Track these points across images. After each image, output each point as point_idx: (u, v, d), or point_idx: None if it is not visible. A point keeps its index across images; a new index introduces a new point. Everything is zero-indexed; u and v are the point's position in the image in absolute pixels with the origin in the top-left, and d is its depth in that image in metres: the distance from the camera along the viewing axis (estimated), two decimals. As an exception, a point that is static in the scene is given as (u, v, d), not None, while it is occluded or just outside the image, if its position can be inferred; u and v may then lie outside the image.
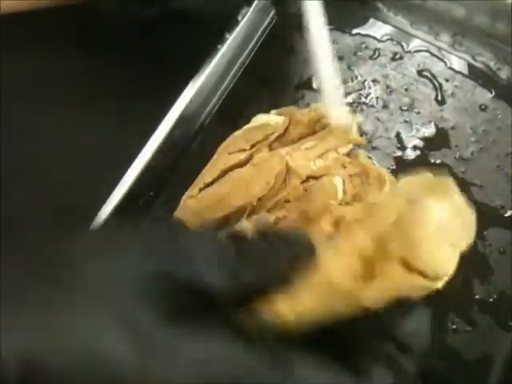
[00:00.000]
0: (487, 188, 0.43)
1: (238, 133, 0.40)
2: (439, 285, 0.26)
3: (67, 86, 0.46)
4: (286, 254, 0.25)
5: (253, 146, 0.39)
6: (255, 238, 0.25)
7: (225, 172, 0.38)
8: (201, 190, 0.38)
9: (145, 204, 0.43)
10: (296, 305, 0.25)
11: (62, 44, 0.47)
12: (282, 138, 0.40)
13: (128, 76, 0.46)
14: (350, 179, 0.36)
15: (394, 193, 0.30)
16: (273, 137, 0.39)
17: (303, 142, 0.39)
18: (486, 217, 0.42)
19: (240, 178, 0.37)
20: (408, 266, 0.25)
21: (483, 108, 0.46)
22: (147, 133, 0.41)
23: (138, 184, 0.40)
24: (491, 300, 0.39)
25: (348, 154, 0.39)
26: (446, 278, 0.26)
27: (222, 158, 0.39)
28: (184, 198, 0.38)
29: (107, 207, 0.39)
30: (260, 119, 0.40)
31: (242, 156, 0.38)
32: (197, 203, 0.37)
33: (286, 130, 0.39)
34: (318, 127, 0.40)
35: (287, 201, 0.37)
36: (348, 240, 0.27)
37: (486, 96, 0.46)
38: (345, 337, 0.26)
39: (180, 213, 0.38)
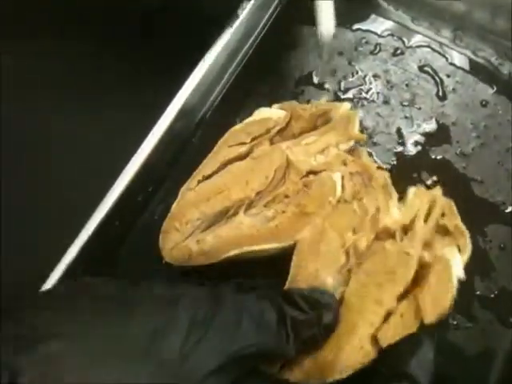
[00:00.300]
0: (488, 184, 0.42)
1: (238, 126, 0.40)
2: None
3: (66, 81, 0.46)
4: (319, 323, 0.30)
5: (253, 140, 0.39)
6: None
7: (224, 165, 0.38)
8: (199, 182, 0.38)
9: (144, 200, 0.43)
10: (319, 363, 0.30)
11: (61, 40, 0.47)
12: (283, 133, 0.39)
13: (127, 70, 0.46)
14: (350, 177, 0.36)
15: (411, 243, 0.33)
16: (274, 131, 0.39)
17: (304, 136, 0.39)
18: (487, 213, 0.42)
19: (239, 171, 0.37)
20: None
21: (484, 104, 0.45)
22: (147, 127, 0.41)
23: (137, 179, 0.40)
24: (492, 296, 0.39)
25: (350, 151, 0.38)
26: None
27: (222, 150, 0.38)
28: (182, 190, 0.38)
29: (106, 203, 0.39)
30: (262, 113, 0.40)
31: (242, 149, 0.38)
32: (195, 196, 0.37)
33: (288, 124, 0.39)
34: (319, 123, 0.40)
35: (286, 196, 0.36)
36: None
37: (487, 91, 0.46)
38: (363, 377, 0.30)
39: (177, 205, 0.38)
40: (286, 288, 0.32)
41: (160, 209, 0.42)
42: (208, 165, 0.38)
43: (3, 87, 0.44)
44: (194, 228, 0.36)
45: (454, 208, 0.35)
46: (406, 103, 0.45)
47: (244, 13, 0.44)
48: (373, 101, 0.45)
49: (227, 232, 0.35)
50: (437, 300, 0.31)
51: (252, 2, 0.44)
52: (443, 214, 0.35)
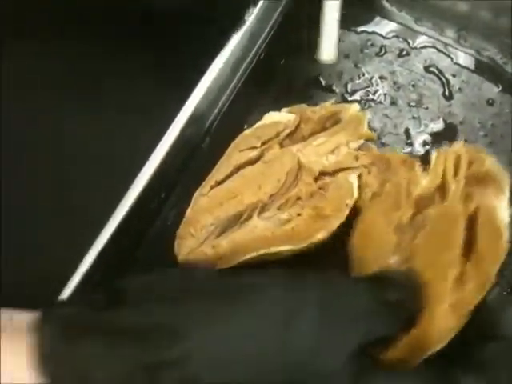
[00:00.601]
0: (497, 182, 0.43)
1: (248, 131, 0.40)
2: None
3: (67, 83, 0.46)
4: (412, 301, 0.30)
5: (264, 144, 0.39)
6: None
7: (236, 169, 0.39)
8: (212, 187, 0.38)
9: (156, 206, 0.43)
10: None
11: (63, 40, 0.47)
12: (293, 136, 0.40)
13: (136, 79, 0.46)
14: (366, 171, 0.36)
15: (451, 202, 0.33)
16: (284, 134, 0.39)
17: (314, 138, 0.39)
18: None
19: (251, 176, 0.38)
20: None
21: (490, 102, 0.46)
22: (157, 134, 0.42)
23: (149, 186, 0.40)
24: (504, 293, 0.40)
25: (359, 149, 0.39)
26: None
27: (234, 155, 0.39)
28: (195, 195, 0.38)
29: (120, 211, 0.39)
30: (271, 117, 0.40)
31: (253, 153, 0.38)
32: (208, 201, 0.38)
33: (297, 127, 0.40)
34: (328, 124, 0.40)
35: (299, 198, 0.37)
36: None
37: (492, 90, 0.46)
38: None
39: (191, 211, 0.38)
40: (371, 273, 0.32)
41: (172, 214, 0.42)
42: (220, 170, 0.39)
43: (3, 87, 0.44)
44: (208, 233, 0.37)
45: (480, 153, 0.35)
46: (413, 104, 0.46)
47: (250, 18, 0.45)
48: (380, 102, 0.46)
49: (242, 236, 0.35)
50: (493, 249, 0.31)
51: (258, 8, 0.45)
52: (471, 163, 0.35)
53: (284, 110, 0.41)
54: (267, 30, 0.48)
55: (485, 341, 0.29)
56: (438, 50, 0.48)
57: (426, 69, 0.47)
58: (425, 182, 0.35)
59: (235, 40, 0.44)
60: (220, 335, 0.26)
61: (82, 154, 0.44)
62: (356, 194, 0.35)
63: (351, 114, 0.40)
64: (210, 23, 0.46)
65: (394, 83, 0.47)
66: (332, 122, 0.40)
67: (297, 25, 0.48)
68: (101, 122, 0.44)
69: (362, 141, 0.39)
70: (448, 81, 0.47)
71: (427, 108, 0.46)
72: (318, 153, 0.38)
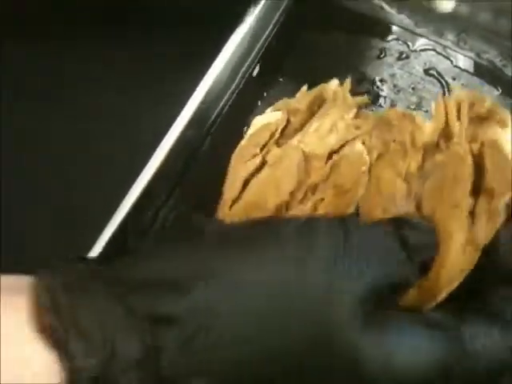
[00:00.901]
0: (497, 185, 0.43)
1: (244, 141, 0.40)
2: None
3: (73, 87, 0.46)
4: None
5: (262, 149, 0.39)
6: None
7: (247, 181, 0.38)
8: (231, 206, 0.38)
9: (156, 208, 0.43)
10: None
11: (63, 40, 0.47)
12: (286, 131, 0.39)
13: (137, 80, 0.46)
14: (369, 137, 0.36)
15: (457, 145, 0.33)
16: (277, 133, 0.39)
17: (309, 125, 0.39)
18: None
19: (265, 182, 0.37)
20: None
21: (490, 106, 0.46)
22: (158, 136, 0.41)
23: (150, 188, 0.40)
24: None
25: (356, 118, 0.39)
26: None
27: (239, 168, 0.38)
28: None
29: (120, 212, 0.39)
30: (259, 121, 0.40)
31: (257, 161, 0.38)
32: (234, 219, 0.37)
33: (288, 121, 0.39)
34: (316, 108, 0.40)
35: (316, 185, 0.37)
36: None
37: (492, 93, 0.46)
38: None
39: None
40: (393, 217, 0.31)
41: (172, 217, 0.43)
42: (231, 187, 0.38)
43: (3, 87, 0.44)
44: None
45: (479, 94, 0.35)
46: (413, 106, 0.46)
47: (251, 18, 0.45)
48: (380, 105, 0.46)
49: None
50: (501, 177, 0.31)
51: (259, 8, 0.45)
52: (472, 105, 0.35)
53: (268, 110, 0.41)
54: (268, 30, 0.48)
55: (496, 283, 0.29)
56: (438, 53, 0.48)
57: (426, 72, 0.47)
58: (428, 130, 0.35)
59: (235, 41, 0.44)
60: (230, 286, 0.25)
61: (83, 155, 0.44)
62: (368, 159, 0.35)
63: (334, 90, 0.40)
64: (209, 23, 0.46)
65: (394, 86, 0.47)
66: (318, 104, 0.40)
67: (298, 25, 0.48)
68: (101, 123, 0.44)
69: (354, 109, 0.38)
70: (448, 84, 0.47)
71: (427, 111, 0.46)
72: (318, 137, 0.38)
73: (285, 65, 0.48)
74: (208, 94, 0.43)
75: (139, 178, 0.40)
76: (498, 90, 0.46)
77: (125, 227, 0.39)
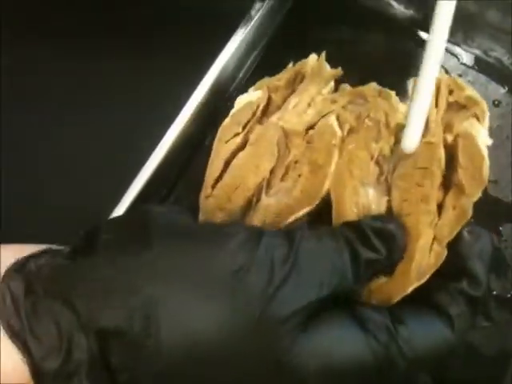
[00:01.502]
0: (502, 184, 0.43)
1: (226, 121, 0.39)
2: None
3: (70, 82, 0.46)
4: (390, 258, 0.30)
5: (244, 128, 0.39)
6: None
7: (229, 161, 0.38)
8: (213, 187, 0.38)
9: (157, 203, 0.43)
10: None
11: (62, 39, 0.47)
12: (268, 109, 0.39)
13: (139, 76, 0.46)
14: (344, 110, 0.36)
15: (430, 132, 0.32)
16: (259, 111, 0.39)
17: (287, 102, 0.39)
18: (502, 212, 0.42)
19: (245, 160, 0.37)
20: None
21: (496, 103, 0.46)
22: (159, 131, 0.41)
23: (151, 184, 0.40)
24: (509, 296, 0.39)
25: (334, 92, 0.38)
26: None
27: (221, 149, 0.38)
28: (201, 201, 0.38)
29: (121, 208, 0.39)
30: (242, 100, 0.40)
31: (238, 140, 0.38)
32: (215, 200, 0.37)
33: (269, 99, 0.39)
34: (296, 84, 0.39)
35: (296, 162, 0.36)
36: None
37: (498, 91, 0.46)
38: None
39: (204, 215, 0.37)
40: (354, 222, 0.31)
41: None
42: (213, 168, 0.38)
43: (3, 87, 0.44)
44: None
45: (459, 81, 0.35)
46: (418, 103, 0.45)
47: (257, 14, 0.44)
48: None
49: (258, 218, 0.35)
50: (473, 174, 0.31)
51: (265, 3, 0.44)
52: (451, 92, 0.34)
53: (251, 89, 0.40)
54: (274, 26, 0.47)
55: (450, 278, 0.29)
56: (445, 50, 0.47)
57: (432, 68, 0.47)
58: (403, 110, 0.34)
59: (240, 36, 0.44)
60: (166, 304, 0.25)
61: (83, 150, 0.43)
62: (339, 132, 0.35)
63: (312, 65, 0.39)
64: (215, 19, 0.46)
65: (400, 82, 0.46)
66: (299, 81, 0.39)
67: (304, 22, 0.47)
68: (102, 119, 0.44)
69: (331, 83, 0.38)
70: (454, 81, 0.46)
71: (433, 108, 0.45)
72: (296, 113, 0.38)
73: (289, 61, 0.47)
74: (211, 89, 0.43)
75: (141, 172, 0.40)
76: (504, 88, 0.46)
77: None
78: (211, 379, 0.25)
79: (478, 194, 0.30)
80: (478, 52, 0.47)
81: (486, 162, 0.31)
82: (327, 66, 0.38)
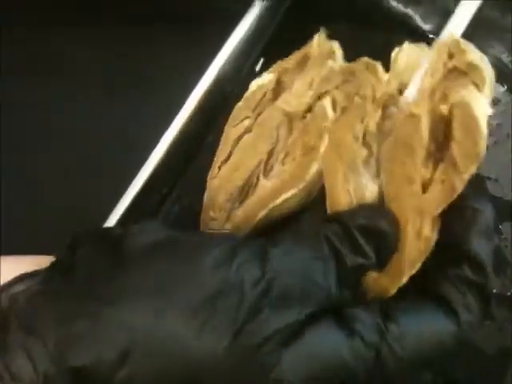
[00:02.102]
0: (502, 182, 0.43)
1: (239, 104, 0.39)
2: None
3: (70, 79, 0.46)
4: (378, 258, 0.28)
5: (255, 110, 0.39)
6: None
7: (236, 143, 0.38)
8: (219, 168, 0.38)
9: (158, 201, 0.43)
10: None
11: (62, 38, 0.47)
12: (278, 91, 0.39)
13: (140, 71, 0.46)
14: (337, 91, 0.35)
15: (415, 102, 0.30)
16: (269, 93, 0.39)
17: (293, 85, 0.39)
18: (502, 211, 0.42)
19: (248, 142, 0.37)
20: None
21: (496, 102, 0.46)
22: (161, 127, 0.41)
23: (152, 181, 0.40)
24: (508, 294, 0.39)
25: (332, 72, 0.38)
26: None
27: (231, 131, 0.38)
28: (208, 181, 0.38)
29: (121, 206, 0.39)
30: (255, 84, 0.40)
31: (247, 122, 0.38)
32: (219, 181, 0.37)
33: (279, 82, 0.39)
34: (304, 66, 0.39)
35: (294, 144, 0.36)
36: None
37: (498, 89, 0.46)
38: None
39: (207, 196, 0.38)
40: (341, 220, 0.28)
41: (175, 210, 0.42)
42: (222, 150, 0.38)
43: (3, 87, 0.44)
44: (226, 211, 0.36)
45: (461, 43, 0.31)
46: (418, 102, 0.45)
47: (256, 11, 0.44)
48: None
49: (253, 200, 0.35)
50: (467, 148, 0.27)
51: (264, 2, 0.44)
52: (451, 56, 0.31)
53: (265, 73, 0.40)
54: (274, 23, 0.47)
55: (446, 264, 0.27)
56: (444, 49, 0.47)
57: (432, 67, 0.47)
58: (386, 80, 0.32)
59: (240, 33, 0.44)
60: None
61: (83, 146, 0.43)
62: (331, 114, 0.34)
63: (316, 46, 0.38)
64: (214, 14, 0.46)
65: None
66: (306, 62, 0.39)
67: (305, 18, 0.47)
68: (102, 119, 0.44)
69: (330, 61, 0.37)
70: (454, 79, 0.46)
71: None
72: (297, 95, 0.37)
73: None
74: (211, 87, 0.43)
75: (141, 172, 0.40)
76: (503, 87, 0.46)
77: (126, 221, 0.39)
78: None
79: (471, 171, 0.27)
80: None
81: (483, 135, 0.27)
82: (327, 45, 0.37)
